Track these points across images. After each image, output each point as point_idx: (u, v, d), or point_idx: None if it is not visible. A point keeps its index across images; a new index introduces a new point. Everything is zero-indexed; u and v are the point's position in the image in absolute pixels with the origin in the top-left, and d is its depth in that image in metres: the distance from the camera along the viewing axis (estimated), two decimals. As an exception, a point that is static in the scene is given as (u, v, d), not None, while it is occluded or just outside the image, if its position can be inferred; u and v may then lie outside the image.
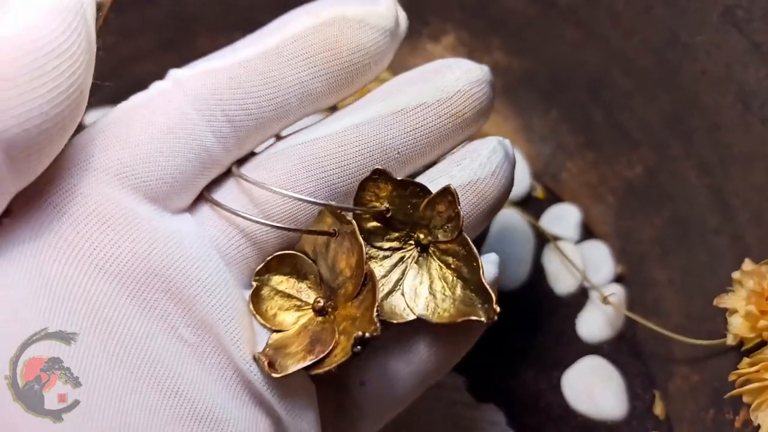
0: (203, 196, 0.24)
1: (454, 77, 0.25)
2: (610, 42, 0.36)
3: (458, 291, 0.24)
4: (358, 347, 0.21)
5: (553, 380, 0.35)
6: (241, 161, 0.25)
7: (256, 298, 0.24)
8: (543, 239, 0.38)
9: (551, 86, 0.39)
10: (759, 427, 0.26)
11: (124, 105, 0.24)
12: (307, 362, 0.23)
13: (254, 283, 0.24)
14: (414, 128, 0.25)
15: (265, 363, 0.23)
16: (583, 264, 0.37)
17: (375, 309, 0.22)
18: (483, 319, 0.24)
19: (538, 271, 0.38)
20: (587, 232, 0.39)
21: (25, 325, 0.20)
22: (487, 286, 0.24)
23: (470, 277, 0.24)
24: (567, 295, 0.37)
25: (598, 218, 0.38)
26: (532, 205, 0.39)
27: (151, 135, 0.23)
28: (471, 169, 0.25)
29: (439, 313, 0.24)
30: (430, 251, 0.25)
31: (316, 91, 0.25)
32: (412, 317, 0.24)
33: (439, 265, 0.25)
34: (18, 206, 0.21)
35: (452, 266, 0.24)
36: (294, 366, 0.23)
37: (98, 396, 0.21)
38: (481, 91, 0.26)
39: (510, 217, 0.38)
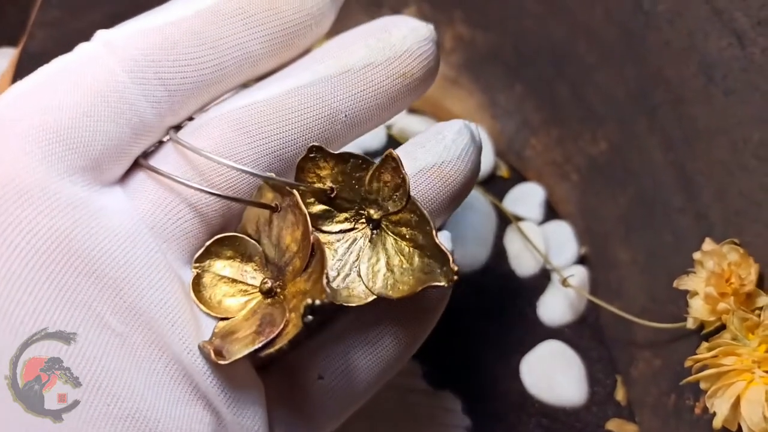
0: (138, 164, 0.23)
1: (401, 35, 0.24)
2: (574, 13, 0.34)
3: (416, 261, 0.23)
4: (309, 317, 0.20)
5: (512, 365, 0.34)
6: (177, 127, 0.23)
7: (198, 287, 0.23)
8: (505, 219, 0.37)
9: (516, 60, 0.38)
10: (715, 414, 0.24)
11: (46, 68, 0.22)
12: (257, 345, 0.21)
13: (194, 271, 0.23)
14: (362, 89, 0.24)
15: (211, 351, 0.21)
16: (546, 245, 0.36)
17: (324, 276, 0.21)
18: (443, 283, 0.22)
19: (499, 252, 0.36)
20: (551, 212, 0.37)
21: None
22: (443, 246, 0.22)
23: (425, 243, 0.23)
24: (528, 278, 0.36)
25: (562, 197, 0.37)
26: (496, 185, 0.38)
27: (77, 98, 0.21)
28: (436, 152, 0.24)
29: (399, 287, 0.23)
30: (383, 226, 0.24)
31: (255, 53, 0.23)
32: (371, 298, 0.23)
33: (394, 239, 0.23)
34: None
35: (407, 237, 0.23)
36: (243, 350, 0.21)
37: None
38: (429, 50, 0.25)
39: (471, 196, 0.37)
